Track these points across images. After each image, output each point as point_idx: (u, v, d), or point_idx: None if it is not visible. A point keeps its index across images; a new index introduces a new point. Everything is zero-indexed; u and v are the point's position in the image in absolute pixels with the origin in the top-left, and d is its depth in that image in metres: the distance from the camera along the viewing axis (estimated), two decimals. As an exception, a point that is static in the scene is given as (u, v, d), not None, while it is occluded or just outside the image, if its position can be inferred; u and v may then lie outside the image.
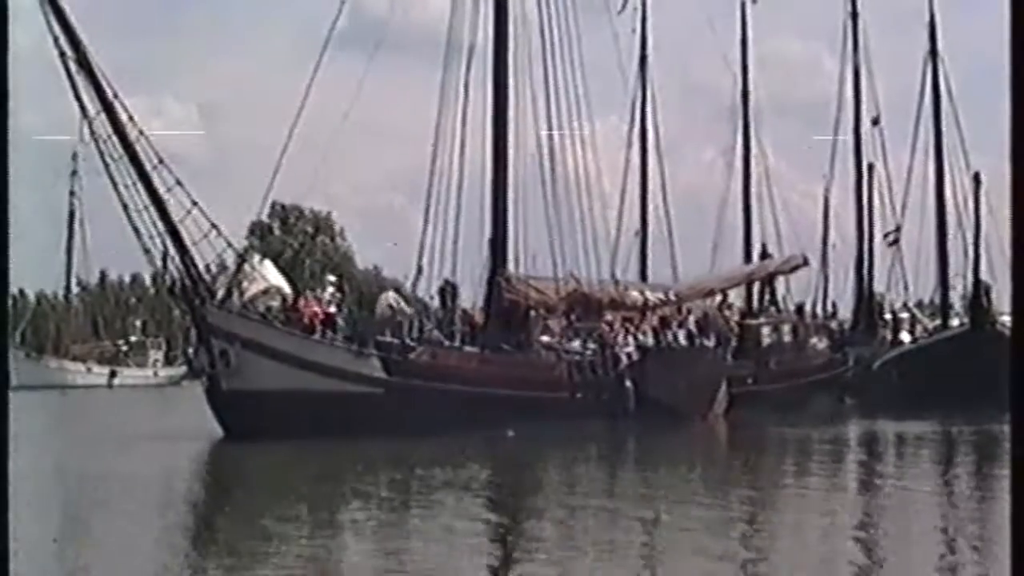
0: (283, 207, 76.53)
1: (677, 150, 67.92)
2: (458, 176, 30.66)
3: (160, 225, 22.62)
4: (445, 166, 30.40)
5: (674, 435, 27.25)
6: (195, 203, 22.39)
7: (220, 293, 24.19)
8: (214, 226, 22.55)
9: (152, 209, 22.43)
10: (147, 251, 23.34)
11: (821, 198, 48.10)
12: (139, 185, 22.19)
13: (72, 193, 65.97)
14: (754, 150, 46.61)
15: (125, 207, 22.19)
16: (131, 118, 21.84)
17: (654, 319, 35.00)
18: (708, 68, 62.71)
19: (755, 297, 41.93)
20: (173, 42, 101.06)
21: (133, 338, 71.65)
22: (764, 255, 43.24)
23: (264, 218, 76.87)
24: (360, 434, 22.99)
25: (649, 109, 46.64)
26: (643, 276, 43.46)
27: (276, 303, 25.03)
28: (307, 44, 62.45)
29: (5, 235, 3.09)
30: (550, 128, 31.91)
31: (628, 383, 30.43)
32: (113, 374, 67.13)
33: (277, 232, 76.95)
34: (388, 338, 26.43)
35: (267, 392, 23.73)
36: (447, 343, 27.98)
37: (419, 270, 30.25)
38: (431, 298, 30.89)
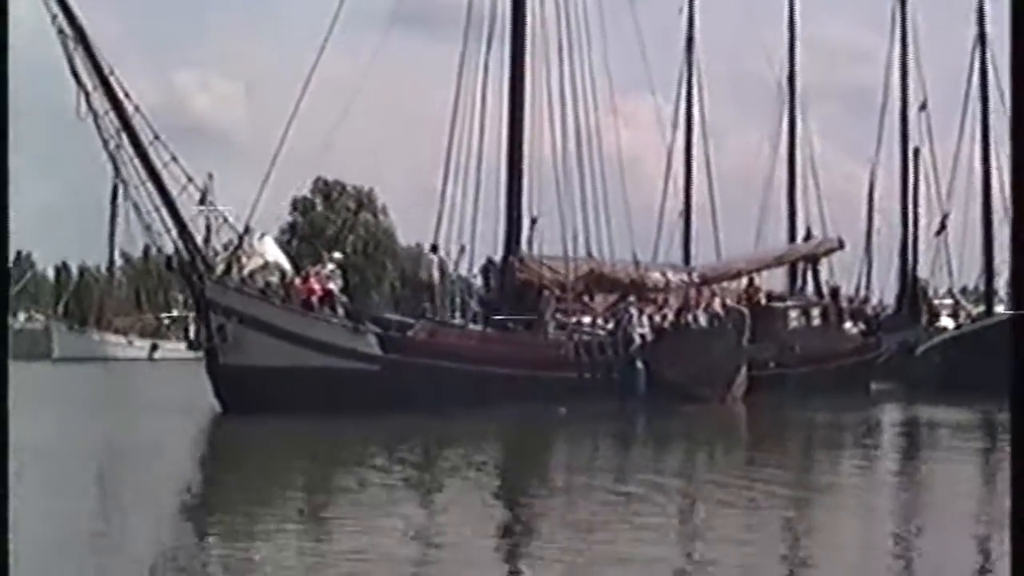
0: (326, 183, 77.74)
1: (722, 133, 68.34)
2: (477, 156, 31.41)
3: (157, 199, 23.63)
4: (463, 144, 31.19)
5: (686, 416, 27.67)
6: (190, 179, 23.44)
7: (219, 268, 25.15)
8: (203, 199, 23.54)
9: (149, 184, 23.47)
10: (148, 227, 24.42)
11: (866, 182, 48.33)
12: (136, 160, 23.22)
13: (116, 167, 67.73)
14: (800, 133, 47.10)
15: (124, 183, 23.27)
16: (127, 94, 22.88)
17: (678, 301, 35.60)
18: (754, 50, 62.92)
19: (798, 280, 42.40)
20: (221, 17, 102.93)
21: (175, 312, 73.39)
22: (808, 239, 43.60)
23: (307, 194, 78.55)
24: (355, 411, 23.91)
25: (695, 91, 47.25)
26: (686, 258, 44.07)
27: (275, 279, 25.90)
28: (359, 21, 63.33)
29: (5, 234, 3.21)
30: (576, 108, 32.61)
31: (640, 364, 31.00)
32: (154, 347, 69.01)
33: (320, 208, 78.16)
34: (388, 315, 27.34)
35: (263, 368, 24.72)
36: (452, 321, 28.80)
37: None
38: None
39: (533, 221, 33.99)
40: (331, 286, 27.06)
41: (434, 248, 30.83)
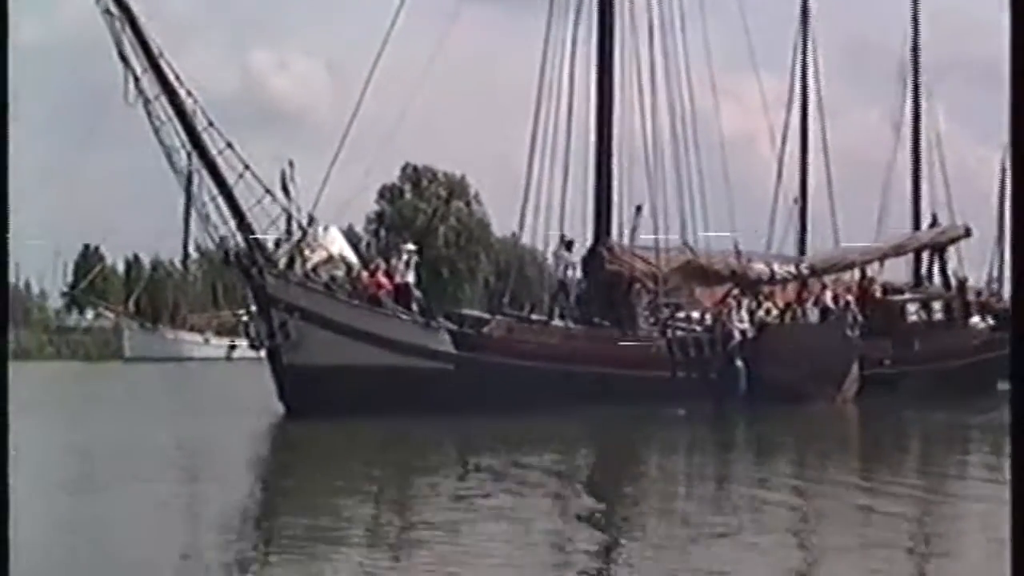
0: (415, 169, 78.17)
1: (840, 112, 67.33)
2: (565, 137, 31.31)
3: (214, 190, 23.90)
4: (549, 126, 31.10)
5: (792, 419, 27.17)
6: (247, 167, 23.61)
7: (281, 262, 25.36)
8: (268, 191, 23.72)
9: (205, 173, 23.75)
10: (206, 217, 24.71)
11: (998, 165, 47.23)
12: (189, 148, 23.51)
13: (190, 157, 68.78)
14: (924, 112, 46.12)
15: (176, 171, 23.61)
16: (178, 77, 23.17)
17: (786, 294, 35.23)
18: (874, 21, 61.88)
19: (923, 271, 41.62)
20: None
21: (254, 308, 74.15)
22: (934, 225, 42.78)
23: (395, 181, 79.11)
24: (427, 412, 23.94)
25: (811, 65, 46.54)
26: (801, 247, 43.43)
27: (341, 273, 26.07)
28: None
29: (5, 234, 3.34)
30: (671, 85, 32.41)
31: (739, 362, 30.71)
32: (232, 346, 69.68)
33: (408, 196, 78.60)
34: (465, 310, 27.42)
35: (328, 367, 24.86)
36: (534, 316, 28.81)
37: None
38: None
39: (638, 209, 33.89)
40: (405, 279, 27.10)
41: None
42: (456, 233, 78.44)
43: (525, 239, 33.86)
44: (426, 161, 79.81)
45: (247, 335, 26.76)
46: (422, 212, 75.62)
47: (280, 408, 25.88)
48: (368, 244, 74.37)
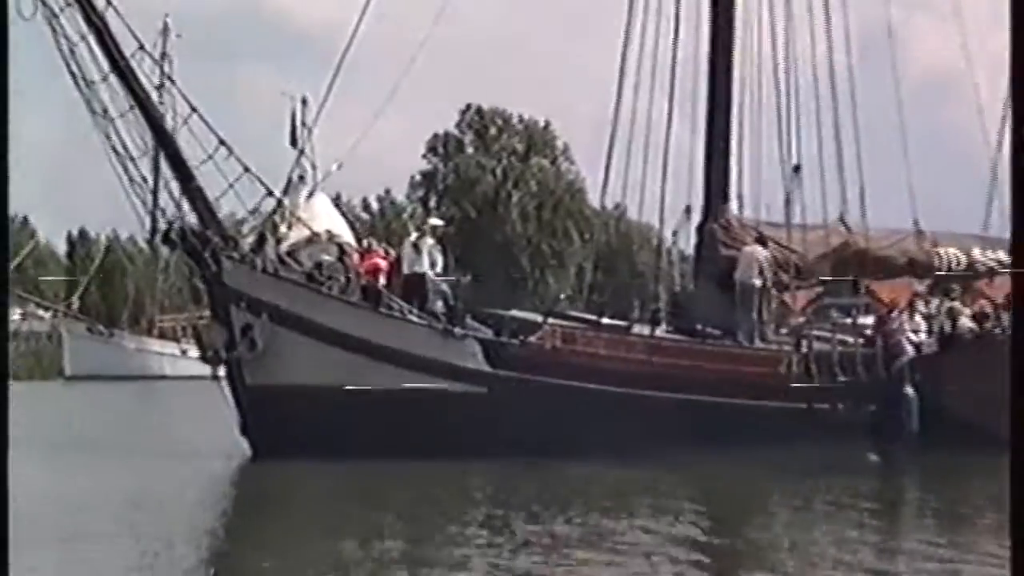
0: (479, 112, 77.96)
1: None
2: (670, 75, 31.79)
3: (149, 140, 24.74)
4: (645, 58, 31.61)
5: (983, 478, 26.25)
6: (194, 109, 24.39)
7: (247, 242, 26.11)
8: (222, 142, 24.48)
9: (137, 115, 24.57)
10: (131, 181, 25.54)
11: None
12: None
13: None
14: None
15: (93, 111, 24.47)
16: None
17: (990, 291, 35.11)
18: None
19: None
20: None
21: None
22: None
23: (452, 129, 79.05)
24: (449, 455, 24.64)
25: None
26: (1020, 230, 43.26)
27: (330, 256, 26.70)
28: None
29: (5, 234, 3.98)
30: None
31: (909, 389, 30.68)
32: (222, 361, 70.20)
33: (470, 150, 78.44)
34: (510, 312, 27.99)
35: (308, 389, 25.64)
36: (599, 319, 29.24)
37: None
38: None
39: (795, 169, 34.16)
40: (425, 268, 27.72)
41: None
42: (537, 202, 78.11)
43: (633, 211, 34.50)
44: (494, 102, 79.82)
45: (198, 345, 27.53)
46: (489, 172, 75.68)
47: (244, 447, 26.66)
48: (413, 214, 74.50)
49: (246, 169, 25.33)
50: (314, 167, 28.23)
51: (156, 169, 69.46)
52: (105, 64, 24.47)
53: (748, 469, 25.75)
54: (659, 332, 29.97)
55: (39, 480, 21.16)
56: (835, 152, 32.88)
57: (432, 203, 78.52)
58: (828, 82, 32.78)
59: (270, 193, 25.92)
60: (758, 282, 30.50)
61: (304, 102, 27.28)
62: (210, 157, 24.89)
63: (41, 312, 76.03)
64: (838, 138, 32.78)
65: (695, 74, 32.17)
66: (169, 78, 24.22)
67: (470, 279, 73.44)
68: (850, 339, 31.58)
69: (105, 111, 24.71)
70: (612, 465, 25.44)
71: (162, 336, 72.83)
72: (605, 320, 29.68)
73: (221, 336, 26.15)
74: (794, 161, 33.08)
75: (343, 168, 27.59)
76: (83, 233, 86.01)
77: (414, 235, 28.50)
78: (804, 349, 30.65)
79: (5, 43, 4.29)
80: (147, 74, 24.69)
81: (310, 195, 27.03)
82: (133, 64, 24.49)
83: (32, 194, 67.34)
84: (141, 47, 24.51)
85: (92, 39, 24.17)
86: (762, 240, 31.11)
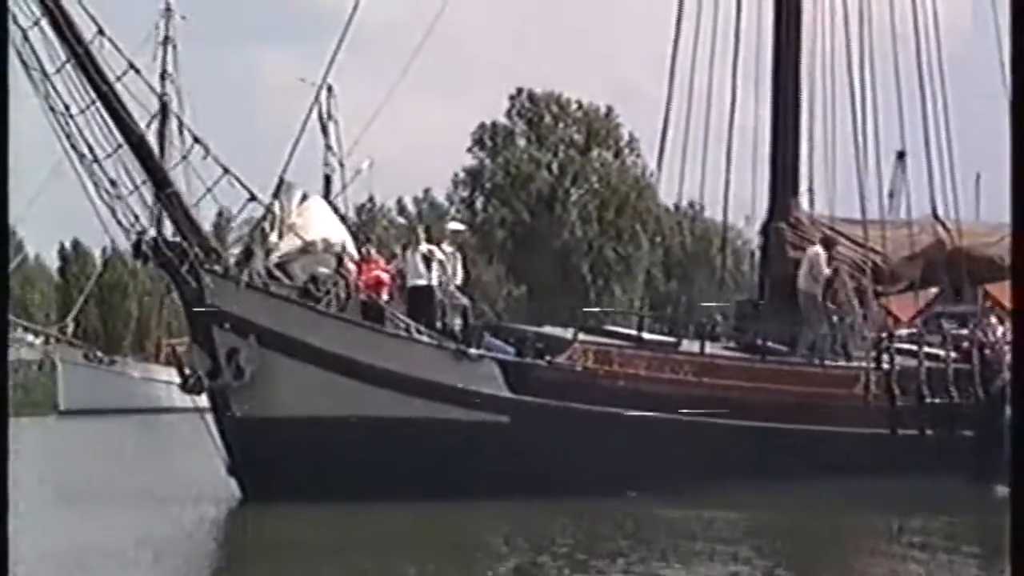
0: (531, 98, 77.72)
1: None
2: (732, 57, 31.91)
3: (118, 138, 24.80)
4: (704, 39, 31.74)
5: None
6: (164, 103, 24.55)
7: (231, 254, 26.21)
8: (196, 140, 24.62)
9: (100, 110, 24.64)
10: (111, 185, 25.61)
11: None
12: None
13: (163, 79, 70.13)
14: None
15: (53, 108, 24.56)
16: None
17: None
18: None
19: None
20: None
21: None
22: None
23: (501, 119, 79.02)
24: (464, 496, 24.73)
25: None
26: None
27: (327, 268, 26.75)
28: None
29: (5, 234, 4.16)
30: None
31: (1010, 411, 30.59)
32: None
33: (522, 142, 78.33)
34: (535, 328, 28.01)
35: (302, 421, 25.75)
36: (640, 335, 29.23)
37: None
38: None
39: (900, 155, 34.17)
40: (433, 278, 27.71)
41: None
42: (599, 200, 78.01)
43: (710, 211, 34.68)
44: (549, 86, 79.69)
45: (179, 372, 27.56)
46: (544, 167, 75.55)
47: (233, 488, 26.72)
48: (456, 215, 74.35)
49: (226, 171, 25.38)
50: (341, 164, 28.20)
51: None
52: (61, 52, 24.55)
53: (820, 506, 25.79)
54: (713, 349, 29.88)
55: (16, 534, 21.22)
56: (934, 139, 32.89)
57: (479, 204, 78.59)
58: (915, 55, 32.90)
59: (253, 197, 25.81)
60: (818, 290, 30.30)
61: (331, 90, 27.17)
62: (184, 158, 24.98)
63: (31, 337, 75.96)
64: (945, 121, 32.84)
65: (755, 66, 32.34)
66: (132, 66, 23.94)
67: (524, 290, 73.55)
68: (938, 353, 31.39)
69: (67, 108, 24.77)
70: (659, 504, 25.46)
71: (170, 363, 72.84)
72: (647, 336, 29.57)
73: (204, 362, 26.04)
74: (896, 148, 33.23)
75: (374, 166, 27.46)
76: (77, 245, 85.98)
77: (448, 248, 28.27)
78: (885, 366, 30.51)
79: (5, 43, 4.76)
80: (109, 64, 24.64)
81: (304, 198, 26.97)
82: (93, 51, 24.52)
83: (18, 202, 67.69)
84: (101, 32, 24.51)
85: (45, 22, 24.26)
86: (827, 241, 30.87)
